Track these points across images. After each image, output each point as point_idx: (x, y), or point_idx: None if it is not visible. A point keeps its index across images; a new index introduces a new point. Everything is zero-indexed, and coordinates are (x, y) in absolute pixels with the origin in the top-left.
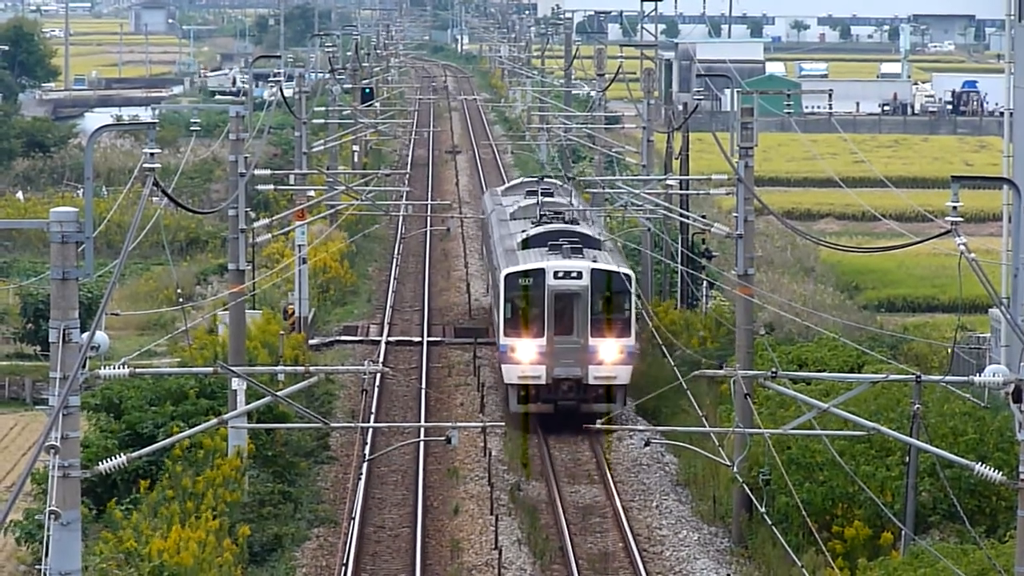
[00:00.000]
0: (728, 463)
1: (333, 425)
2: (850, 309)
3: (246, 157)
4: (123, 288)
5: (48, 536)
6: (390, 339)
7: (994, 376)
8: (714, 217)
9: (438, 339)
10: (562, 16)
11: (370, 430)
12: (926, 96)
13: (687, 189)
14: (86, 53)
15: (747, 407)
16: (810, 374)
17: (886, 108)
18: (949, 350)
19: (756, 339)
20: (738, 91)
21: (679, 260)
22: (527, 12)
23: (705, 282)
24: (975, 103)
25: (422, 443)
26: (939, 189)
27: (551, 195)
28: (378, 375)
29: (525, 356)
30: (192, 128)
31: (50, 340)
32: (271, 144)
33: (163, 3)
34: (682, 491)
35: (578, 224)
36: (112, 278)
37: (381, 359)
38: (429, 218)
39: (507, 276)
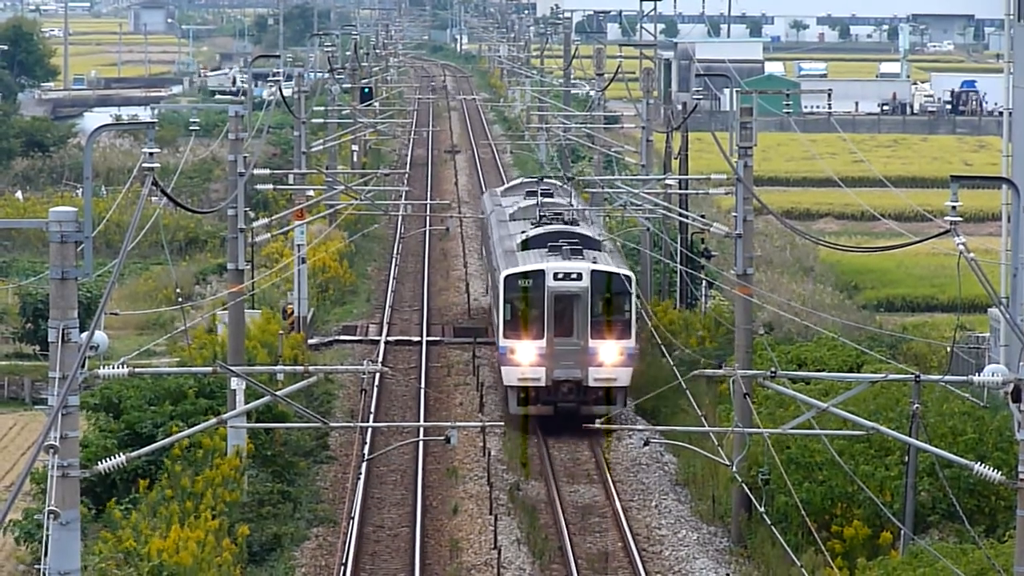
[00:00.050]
0: (727, 463)
1: (332, 425)
2: (849, 309)
3: (245, 157)
4: (122, 288)
5: (47, 536)
6: (389, 339)
7: (993, 376)
8: (713, 217)
9: (437, 339)
10: (561, 16)
11: (369, 430)
12: (925, 96)
13: (686, 189)
14: (85, 53)
15: (746, 407)
16: (809, 374)
17: (885, 108)
18: (948, 350)
19: (755, 339)
20: (737, 91)
21: (678, 260)
22: (526, 12)
23: (704, 282)
24: (974, 103)
25: (421, 443)
26: (938, 189)
27: (551, 196)
28: (377, 375)
29: (525, 358)
30: (191, 128)
31: (49, 340)
32: (270, 144)
33: (162, 3)
34: (681, 491)
35: (578, 225)
36: (111, 278)
37: (380, 359)
38: (428, 218)
39: (507, 277)
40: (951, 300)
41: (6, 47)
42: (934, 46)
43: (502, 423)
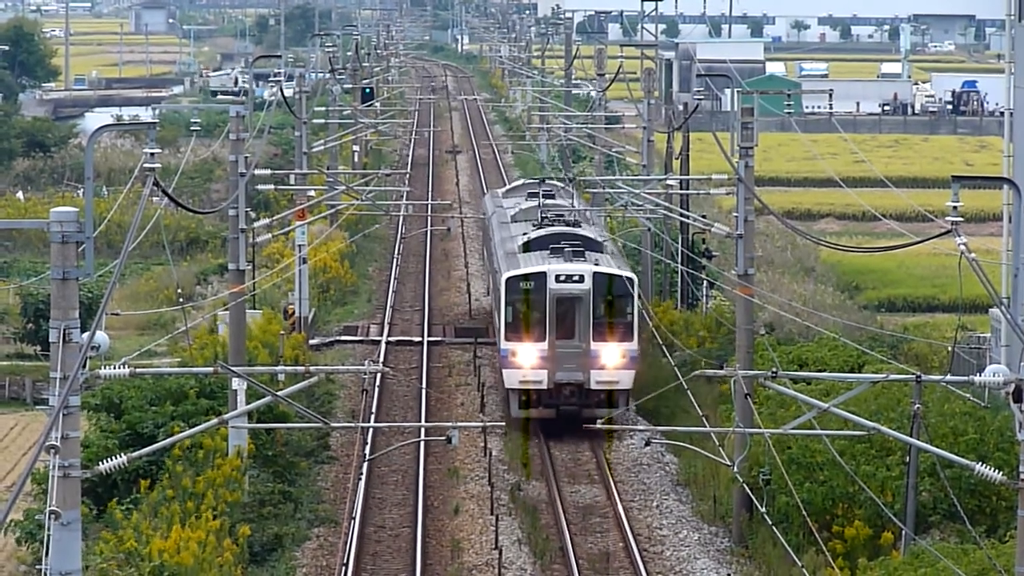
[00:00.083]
0: (728, 463)
1: (333, 425)
2: (850, 309)
3: (246, 157)
4: (123, 288)
5: (48, 536)
6: (390, 339)
7: (994, 376)
8: (714, 217)
9: (438, 339)
10: (562, 16)
11: (370, 430)
12: (926, 96)
13: (687, 189)
14: (86, 53)
15: (747, 407)
16: (810, 374)
17: (886, 108)
18: (949, 350)
19: (756, 339)
20: (738, 91)
21: (679, 260)
22: (527, 12)
23: (705, 282)
24: (975, 103)
25: (422, 443)
26: (939, 189)
27: (552, 197)
28: (378, 375)
29: (526, 360)
30: (192, 128)
31: (50, 340)
32: (271, 144)
33: (163, 3)
34: (682, 491)
35: (580, 227)
36: (112, 278)
37: (381, 359)
38: (429, 218)
39: (508, 280)
40: (952, 300)
41: (7, 47)
42: (935, 46)
43: (503, 423)
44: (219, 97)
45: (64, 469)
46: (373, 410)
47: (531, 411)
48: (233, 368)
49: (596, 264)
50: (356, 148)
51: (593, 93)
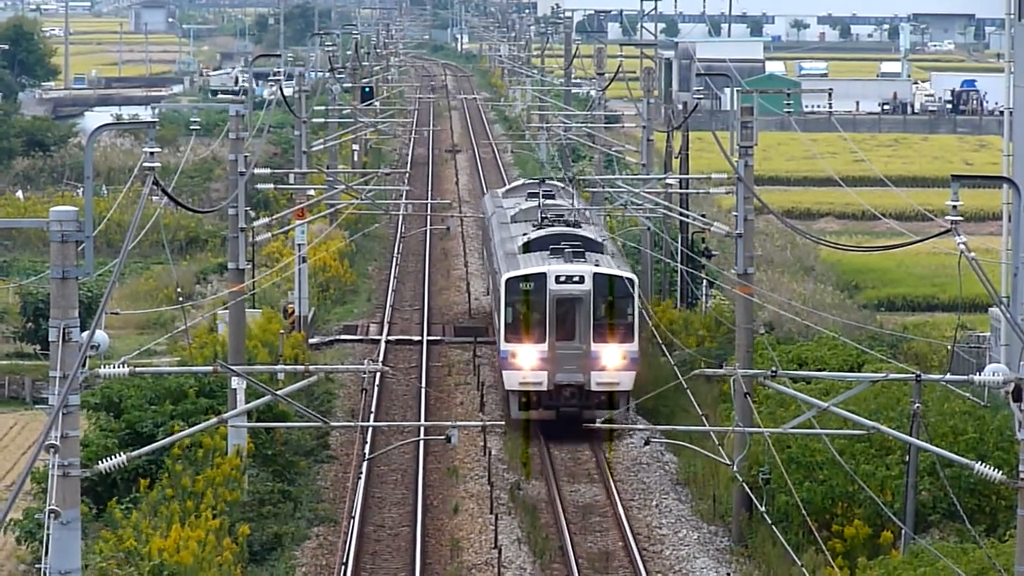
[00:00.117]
0: (728, 462)
1: (333, 424)
2: (850, 308)
3: (246, 156)
4: (123, 287)
5: (48, 535)
6: (390, 338)
7: (994, 375)
8: (714, 216)
9: (438, 338)
10: (562, 15)
11: (370, 429)
12: (926, 95)
13: (687, 188)
14: (86, 52)
15: (747, 406)
16: (810, 373)
17: (886, 107)
18: (949, 349)
19: (756, 338)
20: (738, 90)
21: (679, 259)
22: (527, 11)
23: (705, 281)
24: (975, 102)
25: (422, 442)
26: (939, 188)
27: (552, 197)
28: (378, 374)
29: (526, 362)
30: (192, 127)
31: (50, 339)
32: (271, 143)
33: (163, 2)
34: (682, 490)
35: (580, 227)
36: (112, 277)
37: (381, 358)
38: (429, 217)
39: (508, 280)
40: (952, 299)
41: (7, 47)
42: (935, 45)
43: (503, 423)
44: (219, 96)
45: (64, 468)
46: (372, 409)
47: (531, 413)
48: (232, 367)
49: (596, 265)
50: (356, 147)
51: (593, 92)
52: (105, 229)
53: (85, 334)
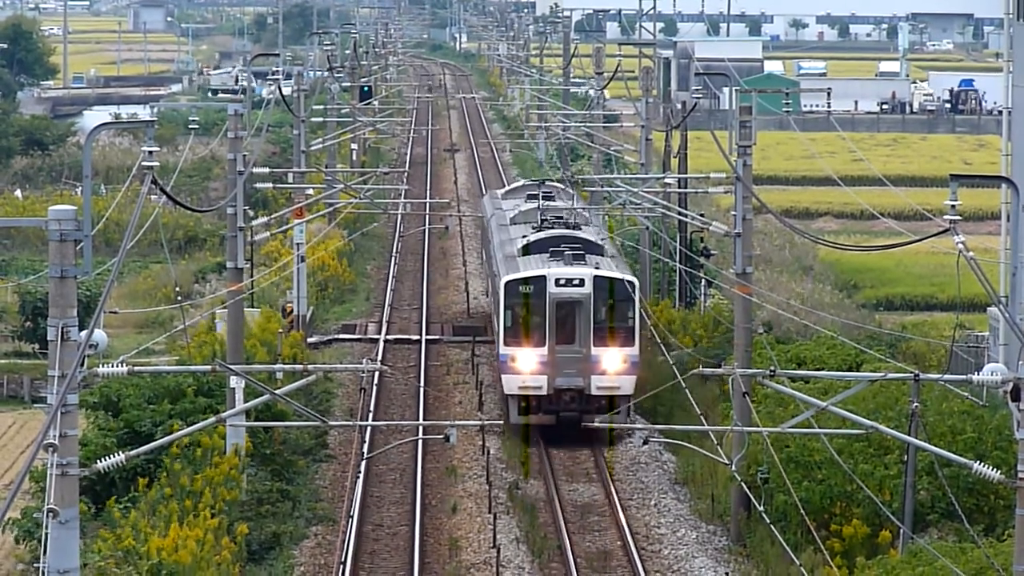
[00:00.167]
0: (726, 462)
1: (331, 423)
2: (848, 308)
3: (245, 155)
4: (121, 286)
5: (46, 534)
6: (388, 337)
7: (992, 375)
8: (712, 215)
9: (436, 337)
10: (561, 14)
11: (368, 428)
12: (924, 95)
13: (685, 187)
14: (85, 51)
15: (745, 406)
16: (808, 373)
17: (884, 107)
18: (947, 349)
19: (754, 338)
20: (737, 89)
21: (677, 259)
22: (526, 10)
23: (703, 280)
24: (973, 102)
25: (420, 441)
26: (937, 188)
27: (552, 199)
28: (376, 373)
29: (526, 366)
30: (190, 126)
31: (48, 338)
32: (270, 142)
33: (162, 1)
34: (680, 489)
35: (580, 229)
36: (111, 276)
37: (379, 357)
38: (428, 216)
39: (507, 283)
40: (950, 299)
41: (5, 45)
42: (933, 45)
43: (501, 422)
44: (219, 96)
45: (62, 467)
46: (371, 408)
47: (531, 417)
48: (231, 366)
49: (597, 268)
50: (354, 146)
51: (591, 92)
52: (104, 228)
53: (84, 333)
